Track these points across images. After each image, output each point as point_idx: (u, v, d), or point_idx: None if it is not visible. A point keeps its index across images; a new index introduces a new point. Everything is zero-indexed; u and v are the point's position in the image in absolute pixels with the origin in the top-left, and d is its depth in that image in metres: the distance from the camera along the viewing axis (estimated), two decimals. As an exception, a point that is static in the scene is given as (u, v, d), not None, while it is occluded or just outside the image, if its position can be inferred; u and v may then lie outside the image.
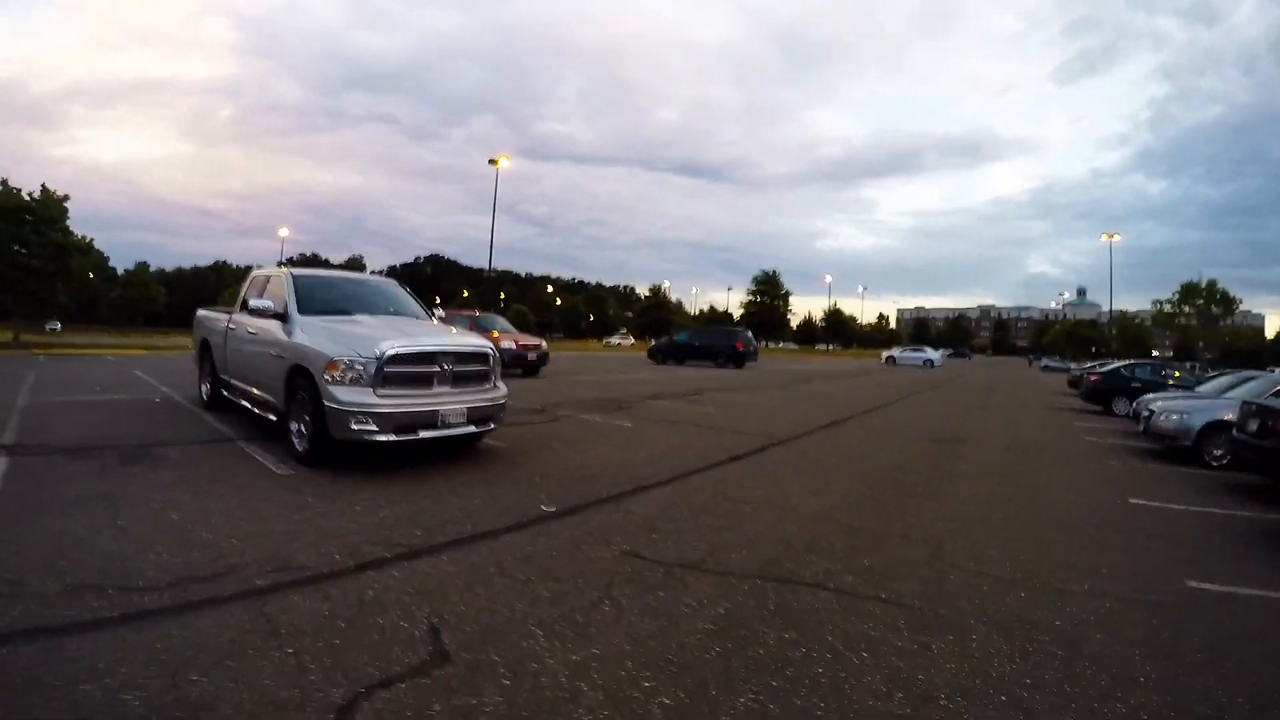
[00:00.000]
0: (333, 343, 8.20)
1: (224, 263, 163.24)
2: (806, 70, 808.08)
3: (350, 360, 7.87)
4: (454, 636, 4.11)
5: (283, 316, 9.30)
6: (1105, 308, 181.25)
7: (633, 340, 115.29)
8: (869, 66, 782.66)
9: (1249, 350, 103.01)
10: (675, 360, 41.47)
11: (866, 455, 12.07)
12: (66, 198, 39.13)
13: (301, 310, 9.31)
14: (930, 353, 72.27)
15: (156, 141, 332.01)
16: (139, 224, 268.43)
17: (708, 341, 42.72)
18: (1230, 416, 12.54)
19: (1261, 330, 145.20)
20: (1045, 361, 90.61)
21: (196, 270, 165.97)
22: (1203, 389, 18.57)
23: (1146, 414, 15.04)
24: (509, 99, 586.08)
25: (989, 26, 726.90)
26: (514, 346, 24.15)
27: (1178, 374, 24.22)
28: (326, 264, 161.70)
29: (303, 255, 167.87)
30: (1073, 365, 61.39)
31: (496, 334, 23.90)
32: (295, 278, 10.11)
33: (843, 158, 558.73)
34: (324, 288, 10.70)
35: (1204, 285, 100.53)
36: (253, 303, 9.82)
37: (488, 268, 71.47)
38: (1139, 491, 10.32)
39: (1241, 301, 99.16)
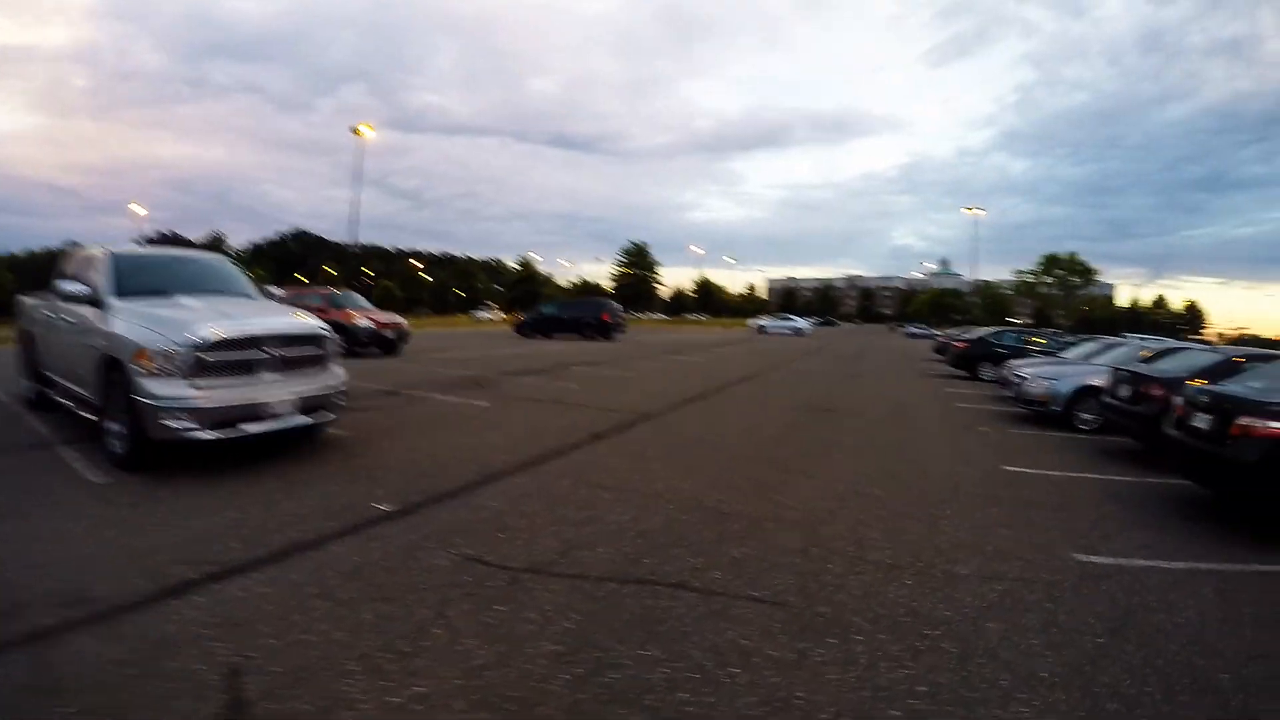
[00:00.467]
0: (144, 328, 7.22)
1: (75, 243, 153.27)
2: (685, 44, 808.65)
3: (161, 348, 6.93)
4: (258, 681, 3.46)
5: (96, 301, 8.15)
6: (967, 277, 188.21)
7: (503, 314, 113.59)
8: (747, 42, 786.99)
9: (1103, 318, 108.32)
10: (543, 334, 40.56)
11: (738, 430, 11.58)
12: None
13: (119, 293, 8.18)
14: (799, 321, 73.31)
15: (7, 114, 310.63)
16: None
17: (575, 314, 41.93)
18: (1098, 382, 12.78)
19: (1111, 299, 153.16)
20: (910, 329, 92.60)
21: (50, 253, 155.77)
22: (1068, 355, 18.88)
23: (1016, 379, 15.13)
24: (381, 68, 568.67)
25: (866, 7, 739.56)
26: (370, 325, 23.07)
27: (1042, 340, 24.53)
28: (188, 243, 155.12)
29: (160, 234, 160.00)
30: (936, 332, 62.72)
31: (350, 312, 22.98)
32: (116, 257, 8.97)
33: (716, 131, 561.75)
34: (146, 267, 9.53)
35: (1065, 257, 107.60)
36: (64, 286, 8.61)
37: (351, 242, 69.17)
38: (1015, 458, 10.26)
39: (1100, 272, 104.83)
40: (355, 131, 56.98)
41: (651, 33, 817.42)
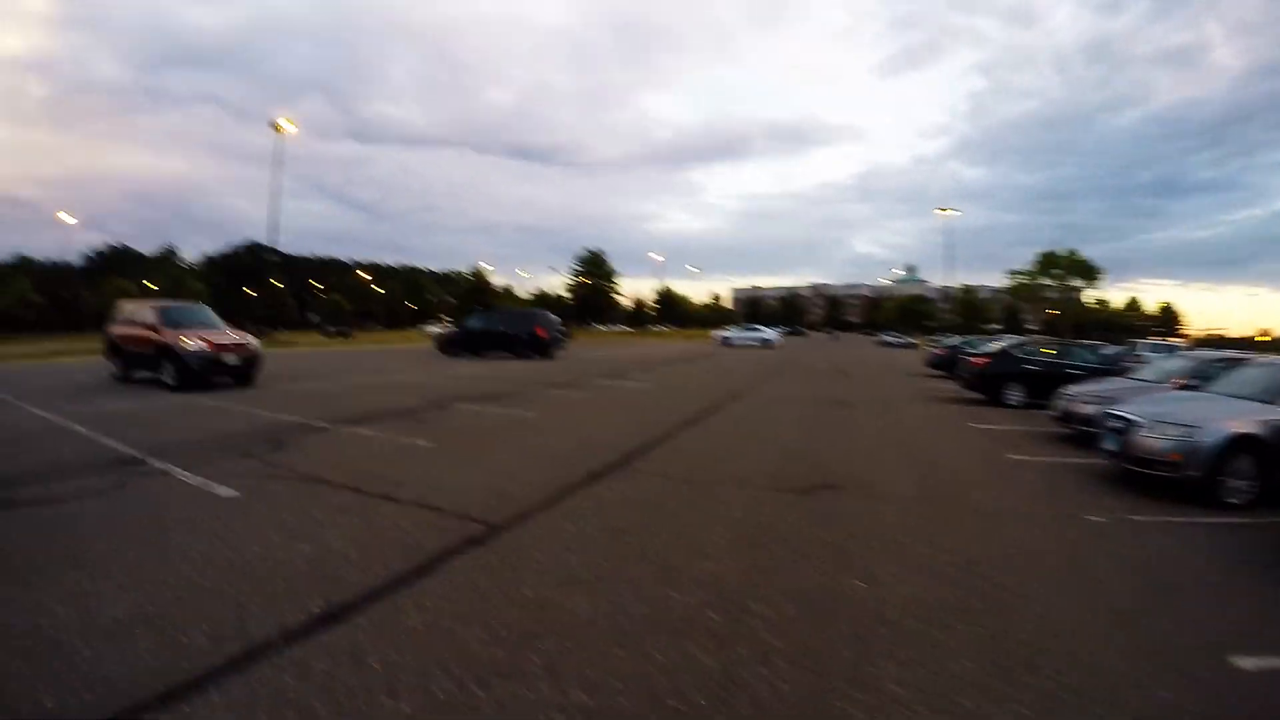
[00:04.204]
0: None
1: (25, 258, 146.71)
2: (640, 55, 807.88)
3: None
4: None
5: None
6: (933, 284, 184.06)
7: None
8: (702, 53, 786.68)
9: (1098, 324, 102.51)
10: (470, 351, 34.71)
11: (672, 548, 6.03)
12: None
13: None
14: (767, 331, 67.08)
15: None
16: None
17: (505, 328, 35.64)
18: (1252, 429, 8.25)
19: (1080, 303, 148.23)
20: (885, 337, 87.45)
21: None
22: (1142, 374, 14.56)
23: (1118, 423, 9.49)
24: (339, 79, 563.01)
25: (819, 19, 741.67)
26: (203, 347, 17.21)
27: (1086, 353, 18.92)
28: (140, 256, 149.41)
29: (111, 246, 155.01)
30: (914, 340, 57.32)
31: (181, 333, 17.87)
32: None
33: (673, 141, 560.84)
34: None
35: (1064, 255, 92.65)
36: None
37: (265, 242, 63.78)
38: (1228, 613, 5.03)
39: (1103, 273, 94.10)
40: (275, 127, 52.53)
41: (607, 44, 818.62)
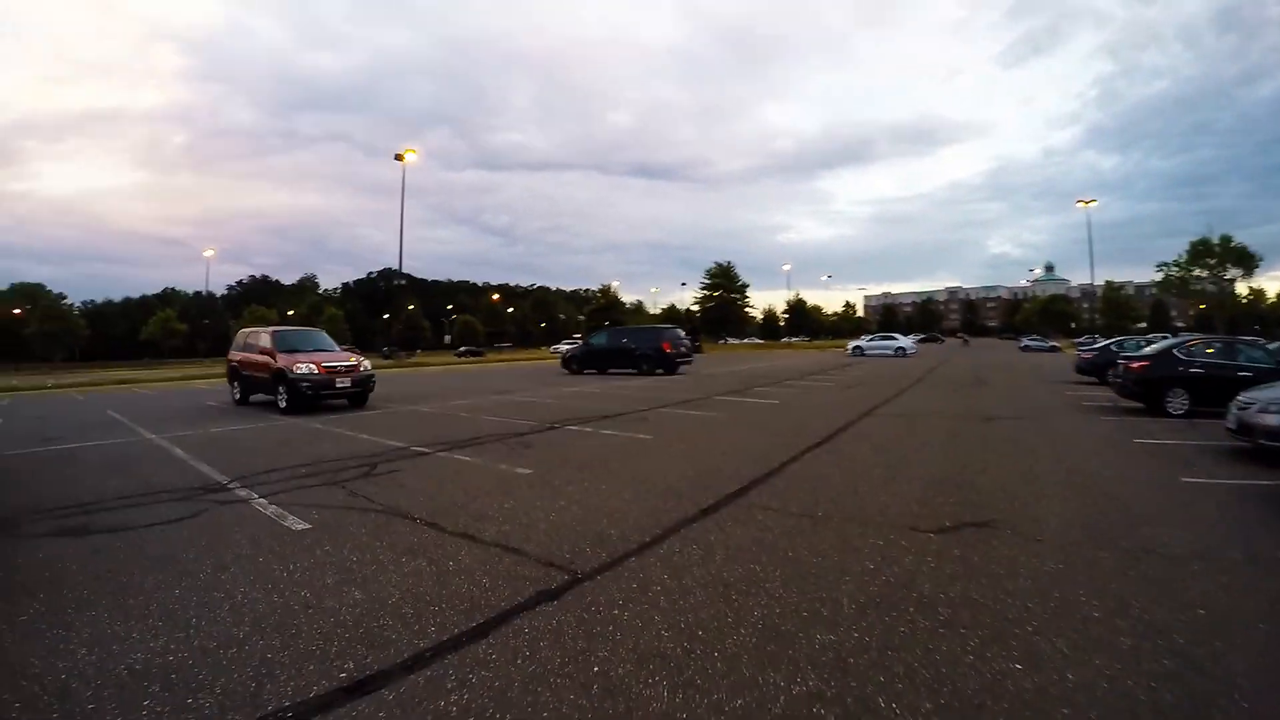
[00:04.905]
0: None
1: (172, 289, 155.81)
2: (755, 67, 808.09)
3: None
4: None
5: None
6: (1074, 283, 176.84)
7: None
8: (816, 59, 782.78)
9: (1256, 318, 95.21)
10: (595, 368, 34.34)
11: (786, 610, 4.91)
12: None
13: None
14: (902, 340, 64.41)
15: (111, 172, 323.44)
16: (98, 255, 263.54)
17: (629, 344, 34.94)
18: None
19: (1234, 295, 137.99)
20: (1026, 341, 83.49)
21: (137, 300, 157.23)
22: None
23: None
24: (462, 112, 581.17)
25: (931, 14, 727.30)
26: (313, 370, 17.13)
27: (1261, 352, 16.84)
28: (279, 285, 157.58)
29: (252, 277, 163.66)
30: (1055, 344, 54.36)
31: (286, 358, 18.13)
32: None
33: (796, 151, 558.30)
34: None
35: (1219, 243, 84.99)
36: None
37: (397, 269, 65.45)
38: None
39: (1259, 260, 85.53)
40: (398, 157, 53.98)
41: (719, 58, 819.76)
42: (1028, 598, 5.00)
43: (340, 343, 20.77)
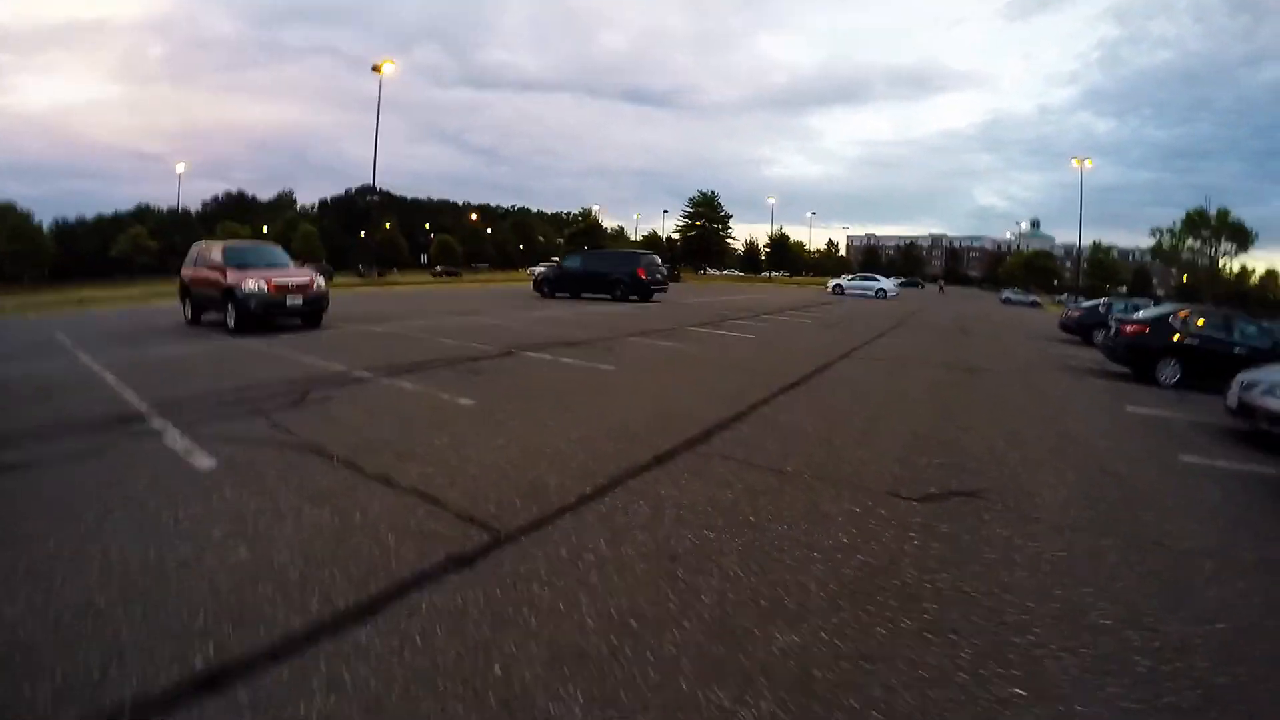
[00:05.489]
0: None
1: (146, 206, 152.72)
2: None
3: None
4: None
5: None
6: (1059, 241, 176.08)
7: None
8: None
9: (1238, 295, 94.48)
10: (568, 293, 33.29)
11: (741, 595, 4.09)
12: None
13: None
14: (883, 281, 63.61)
15: (89, 85, 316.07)
16: (73, 171, 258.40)
17: (603, 269, 33.78)
18: None
19: (1218, 271, 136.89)
20: (1007, 294, 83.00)
21: (110, 218, 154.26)
22: None
23: None
24: (454, 26, 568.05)
25: None
26: (262, 288, 16.31)
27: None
28: (255, 201, 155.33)
29: (229, 194, 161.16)
30: (1036, 298, 53.89)
31: (236, 274, 16.78)
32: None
33: (791, 85, 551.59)
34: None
35: (1214, 216, 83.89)
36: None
37: (371, 185, 64.43)
38: None
39: (1257, 237, 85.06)
40: (375, 69, 52.52)
41: None
42: (1027, 595, 4.23)
43: (314, 260, 19.89)
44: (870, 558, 4.61)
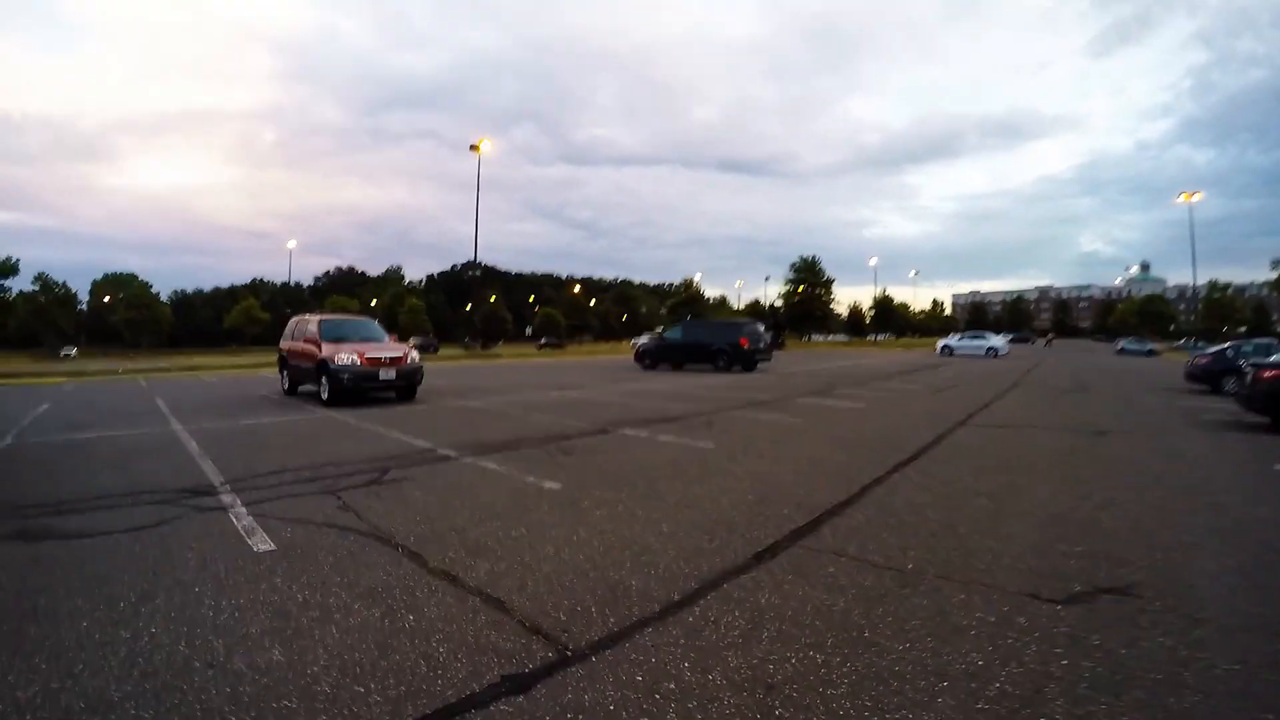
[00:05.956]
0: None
1: (260, 280, 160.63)
2: (841, 61, 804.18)
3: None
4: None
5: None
6: (1171, 282, 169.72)
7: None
8: (902, 53, 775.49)
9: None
10: (670, 364, 32.86)
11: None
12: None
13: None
14: (993, 339, 61.53)
15: (205, 169, 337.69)
16: (195, 247, 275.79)
17: (705, 339, 33.14)
18: None
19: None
20: (1122, 344, 79.74)
21: (217, 291, 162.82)
22: None
23: None
24: (548, 108, 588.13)
25: (1018, 3, 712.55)
26: (354, 361, 16.33)
27: None
28: (364, 277, 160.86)
29: (339, 270, 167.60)
30: (1153, 346, 51.24)
31: (330, 347, 17.14)
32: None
33: (883, 145, 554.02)
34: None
35: None
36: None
37: (473, 260, 65.56)
38: None
39: None
40: (474, 148, 53.70)
41: (804, 52, 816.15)
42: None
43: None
44: (1011, 684, 3.75)
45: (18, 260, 43.46)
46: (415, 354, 18.22)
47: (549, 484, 8.42)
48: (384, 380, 16.94)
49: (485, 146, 56.35)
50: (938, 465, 9.96)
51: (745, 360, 31.48)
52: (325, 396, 16.61)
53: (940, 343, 65.00)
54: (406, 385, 17.70)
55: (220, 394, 21.55)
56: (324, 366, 16.61)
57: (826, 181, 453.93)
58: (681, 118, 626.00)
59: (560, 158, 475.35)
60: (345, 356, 16.46)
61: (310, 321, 19.11)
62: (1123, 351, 72.17)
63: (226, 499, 7.65)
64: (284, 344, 20.28)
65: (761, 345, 32.95)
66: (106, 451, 10.92)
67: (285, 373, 20.10)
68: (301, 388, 19.12)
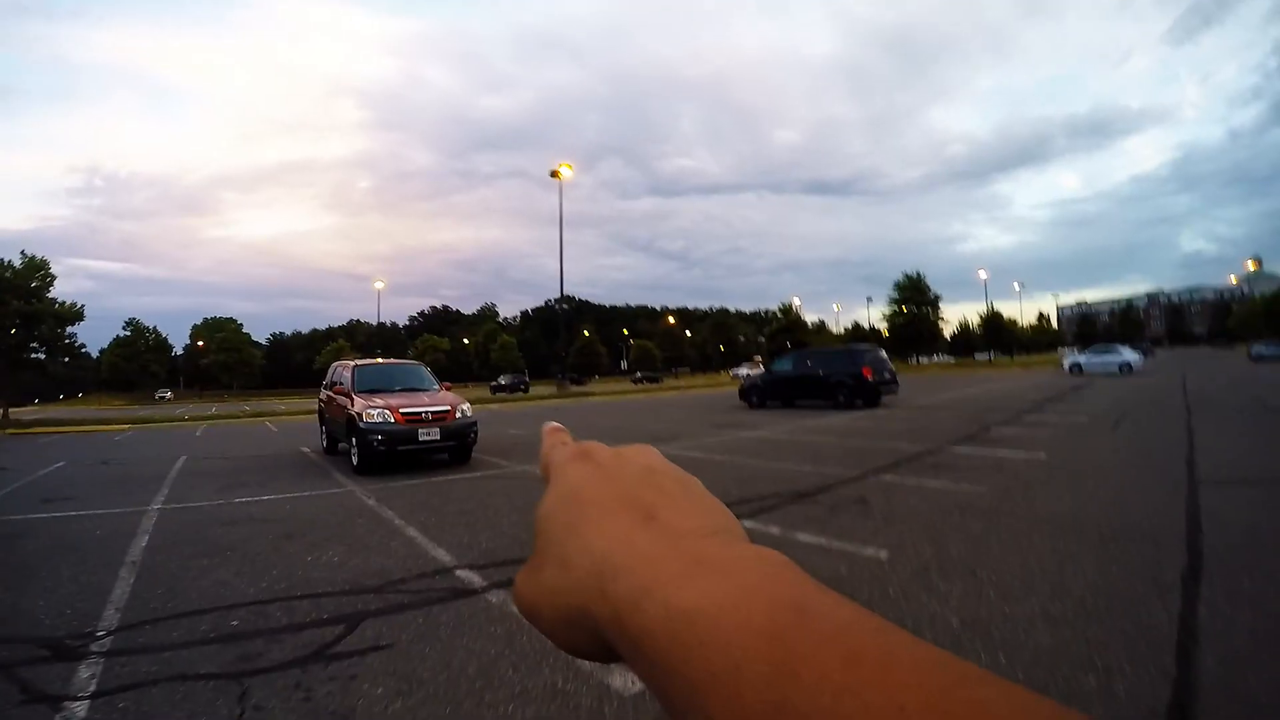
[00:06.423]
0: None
1: (356, 321, 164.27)
2: (918, 72, 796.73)
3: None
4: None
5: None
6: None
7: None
8: (980, 58, 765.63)
9: None
10: (780, 400, 28.95)
11: None
12: (45, 264, 42.97)
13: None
14: (1127, 353, 55.20)
15: (304, 217, 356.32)
16: (297, 292, 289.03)
17: (820, 370, 28.82)
18: None
19: None
20: (1257, 348, 72.95)
21: (314, 333, 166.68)
22: None
23: None
24: (632, 141, 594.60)
25: None
26: (386, 418, 13.46)
27: None
28: (458, 315, 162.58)
29: (434, 309, 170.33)
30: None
31: (362, 400, 14.16)
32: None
33: (970, 155, 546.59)
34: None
35: None
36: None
37: (560, 296, 63.52)
38: None
39: None
40: (554, 174, 51.58)
41: (881, 67, 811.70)
42: None
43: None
44: None
45: (82, 306, 44.81)
46: (467, 406, 14.77)
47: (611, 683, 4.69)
48: (425, 442, 13.76)
49: (567, 173, 54.35)
50: (1223, 570, 6.00)
51: (869, 394, 27.35)
52: (355, 462, 13.66)
53: (1068, 359, 59.74)
54: (458, 446, 14.51)
55: (260, 448, 19.48)
56: (353, 424, 13.47)
57: (915, 197, 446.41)
58: (764, 141, 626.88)
59: (648, 190, 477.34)
60: (376, 413, 13.44)
61: (346, 367, 16.27)
62: (1259, 357, 65.64)
63: (83, 675, 4.76)
64: (322, 394, 17.17)
65: (886, 375, 28.67)
66: (31, 547, 8.83)
67: (323, 428, 17.04)
68: (341, 445, 15.71)
